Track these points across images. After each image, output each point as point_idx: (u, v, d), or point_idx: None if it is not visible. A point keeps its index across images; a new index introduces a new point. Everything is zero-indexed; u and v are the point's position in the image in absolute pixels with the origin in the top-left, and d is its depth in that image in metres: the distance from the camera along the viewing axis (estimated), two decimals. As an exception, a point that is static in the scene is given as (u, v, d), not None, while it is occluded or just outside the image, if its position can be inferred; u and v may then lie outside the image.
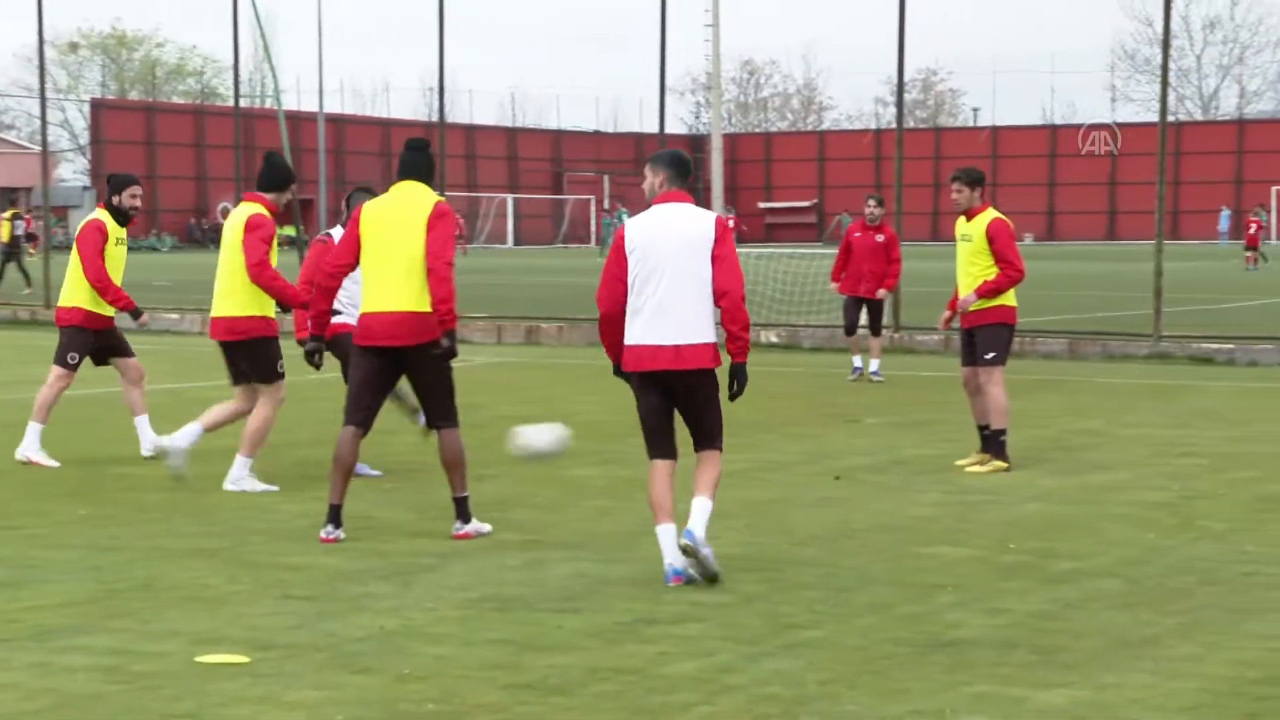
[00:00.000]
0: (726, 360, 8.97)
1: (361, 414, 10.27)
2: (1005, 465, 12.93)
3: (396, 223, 10.13)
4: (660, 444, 9.07)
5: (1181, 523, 10.73)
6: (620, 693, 6.82)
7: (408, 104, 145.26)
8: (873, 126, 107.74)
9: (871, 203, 20.61)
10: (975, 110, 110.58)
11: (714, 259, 8.92)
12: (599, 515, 10.99)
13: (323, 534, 10.07)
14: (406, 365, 10.24)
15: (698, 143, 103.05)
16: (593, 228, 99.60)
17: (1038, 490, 12.06)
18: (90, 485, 12.24)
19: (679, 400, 9.04)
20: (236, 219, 12.14)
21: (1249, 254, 55.83)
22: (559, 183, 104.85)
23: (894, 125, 25.94)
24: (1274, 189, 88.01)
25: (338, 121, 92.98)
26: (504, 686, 6.90)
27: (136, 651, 7.42)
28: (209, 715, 6.51)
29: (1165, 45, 24.26)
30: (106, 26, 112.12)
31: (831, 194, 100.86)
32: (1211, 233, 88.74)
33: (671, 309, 8.90)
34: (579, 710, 6.60)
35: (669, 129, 33.98)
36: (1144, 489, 12.07)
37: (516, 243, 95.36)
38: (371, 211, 10.29)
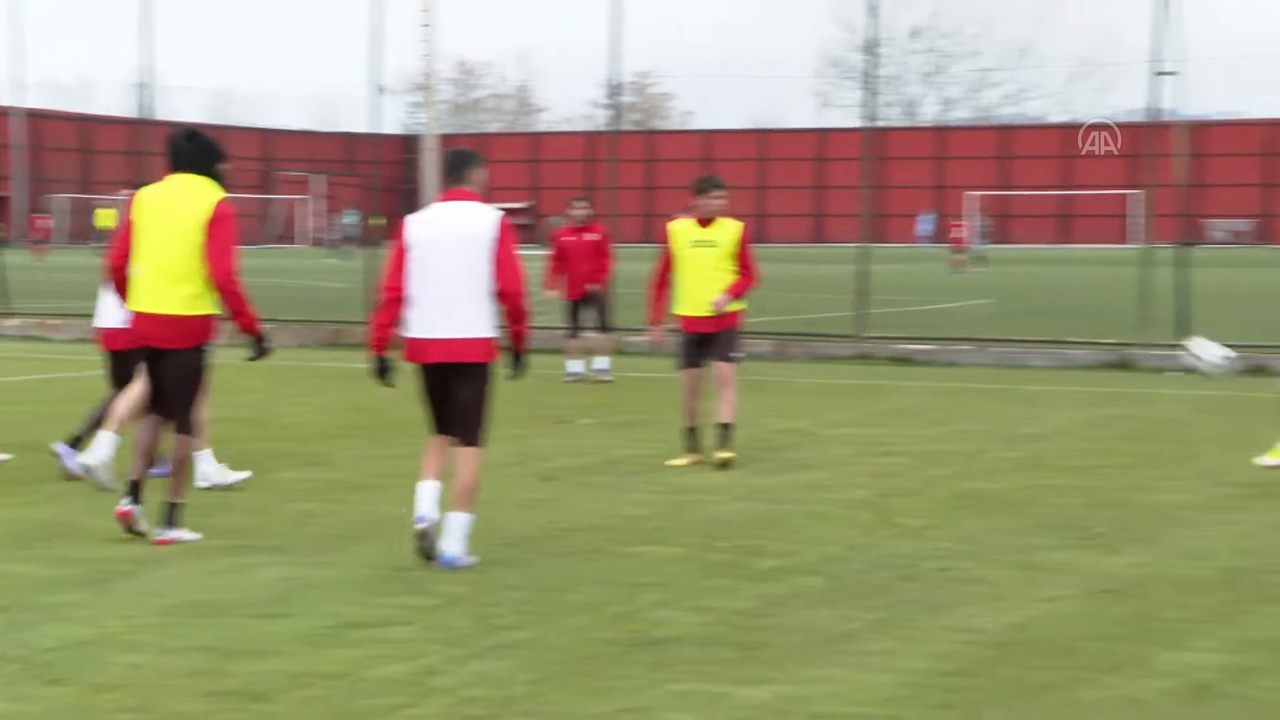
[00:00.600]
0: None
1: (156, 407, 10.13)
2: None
3: (170, 219, 9.81)
4: (439, 423, 9.55)
5: (881, 520, 10.98)
6: (324, 698, 6.74)
7: (113, 100, 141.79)
8: (587, 129, 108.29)
9: (582, 204, 20.71)
10: (688, 114, 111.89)
11: (494, 258, 9.35)
12: (304, 519, 10.84)
13: (119, 507, 9.90)
14: (159, 365, 9.98)
15: (412, 143, 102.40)
16: (302, 227, 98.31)
17: (744, 489, 12.24)
18: None
19: (450, 391, 9.46)
20: None
21: (957, 257, 57.64)
22: (269, 182, 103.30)
23: (608, 128, 26.08)
24: (969, 194, 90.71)
25: (37, 117, 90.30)
26: (204, 694, 6.76)
27: None
28: (-109, 731, 6.26)
29: (870, 52, 24.84)
30: None
31: (547, 195, 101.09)
32: (914, 236, 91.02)
33: (449, 304, 9.34)
34: (281, 717, 6.51)
35: (384, 129, 33.67)
36: (846, 487, 12.33)
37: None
38: (144, 201, 9.95)
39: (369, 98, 26.92)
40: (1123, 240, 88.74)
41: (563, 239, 20.62)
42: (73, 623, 7.91)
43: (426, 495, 9.29)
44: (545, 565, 9.40)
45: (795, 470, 13.18)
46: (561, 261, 20.55)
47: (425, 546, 9.22)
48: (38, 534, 10.12)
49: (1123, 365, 22.23)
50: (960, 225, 61.14)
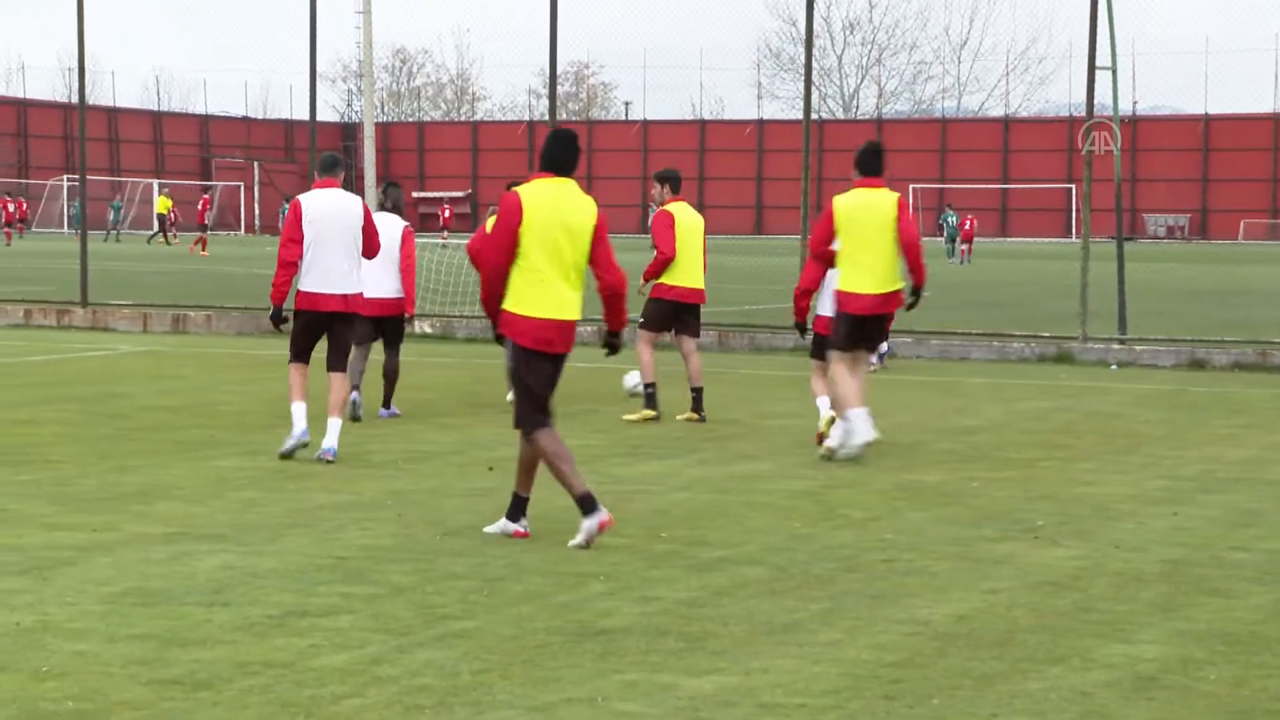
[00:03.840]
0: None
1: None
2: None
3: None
4: (302, 354, 12.87)
5: (824, 511, 11.01)
6: (269, 686, 6.71)
7: (45, 83, 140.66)
8: (526, 118, 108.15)
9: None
10: (627, 104, 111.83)
11: (363, 232, 12.95)
12: (246, 507, 10.79)
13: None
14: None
15: (350, 130, 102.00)
16: (248, 213, 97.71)
17: (686, 480, 12.24)
18: None
19: (332, 332, 12.86)
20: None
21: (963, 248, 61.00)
22: (207, 168, 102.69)
23: (547, 117, 26.06)
24: (911, 187, 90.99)
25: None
26: (147, 682, 6.72)
27: None
28: None
29: (808, 45, 24.88)
30: None
31: (485, 184, 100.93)
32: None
33: (337, 267, 12.77)
34: (225, 705, 6.47)
35: (321, 116, 33.53)
36: (788, 478, 12.35)
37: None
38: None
39: (306, 84, 26.76)
40: (1061, 234, 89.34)
41: None
42: (14, 610, 7.84)
43: (303, 417, 12.68)
44: (489, 554, 9.38)
45: (736, 461, 13.20)
46: None
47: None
48: (-24, 521, 10.04)
49: (1063, 359, 22.36)
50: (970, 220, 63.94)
